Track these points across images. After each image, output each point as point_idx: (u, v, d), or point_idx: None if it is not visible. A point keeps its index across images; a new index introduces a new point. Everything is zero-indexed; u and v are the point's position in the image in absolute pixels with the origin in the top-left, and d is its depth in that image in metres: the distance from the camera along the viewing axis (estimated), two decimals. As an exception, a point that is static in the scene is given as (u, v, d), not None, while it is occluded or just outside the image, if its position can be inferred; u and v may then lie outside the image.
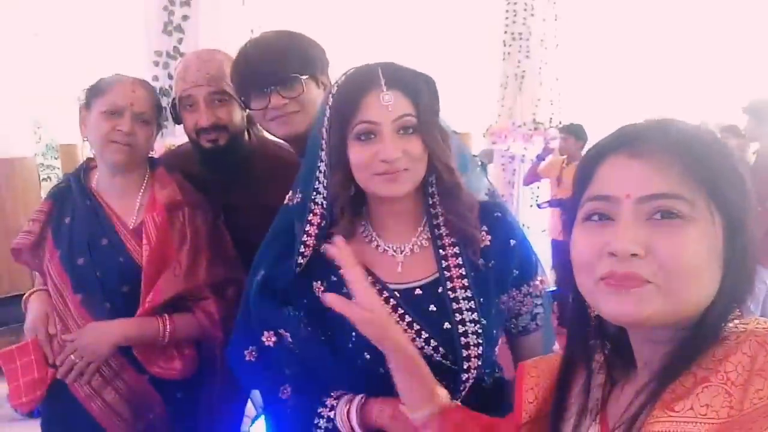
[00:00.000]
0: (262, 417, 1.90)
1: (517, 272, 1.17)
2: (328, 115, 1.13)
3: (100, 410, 1.50)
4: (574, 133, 4.80)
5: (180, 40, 2.89)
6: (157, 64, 2.93)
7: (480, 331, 1.10)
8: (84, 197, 1.57)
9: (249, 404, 1.96)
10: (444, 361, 1.11)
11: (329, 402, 1.15)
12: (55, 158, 12.78)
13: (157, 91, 1.74)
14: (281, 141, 1.65)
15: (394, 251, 1.17)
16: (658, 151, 0.70)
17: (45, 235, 1.59)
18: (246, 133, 1.74)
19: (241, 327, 1.28)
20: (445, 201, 1.15)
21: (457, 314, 1.11)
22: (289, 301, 1.20)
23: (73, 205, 1.58)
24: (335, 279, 1.15)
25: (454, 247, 1.15)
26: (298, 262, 1.17)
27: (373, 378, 1.11)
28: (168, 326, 1.52)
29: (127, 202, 1.58)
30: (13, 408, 1.57)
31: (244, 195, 1.68)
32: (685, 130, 0.72)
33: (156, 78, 2.92)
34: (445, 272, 1.14)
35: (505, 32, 5.79)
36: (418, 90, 1.10)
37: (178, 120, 1.69)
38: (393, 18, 6.69)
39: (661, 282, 0.67)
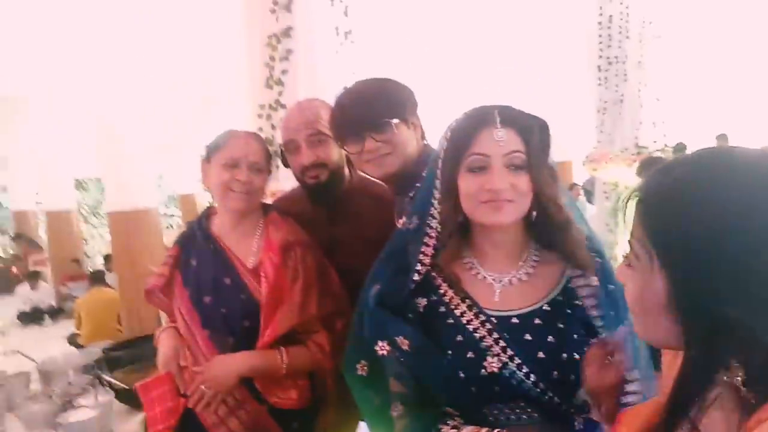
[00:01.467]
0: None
1: (614, 314, 1.19)
2: (444, 147, 1.23)
3: None
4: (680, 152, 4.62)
5: (281, 93, 3.11)
6: (260, 116, 3.16)
7: (569, 363, 1.14)
8: (207, 242, 1.73)
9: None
10: (534, 388, 1.14)
11: (445, 429, 1.17)
12: (176, 207, 13.70)
13: None
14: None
15: (493, 280, 1.23)
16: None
17: (174, 277, 1.76)
18: (347, 171, 1.88)
19: (354, 341, 1.37)
20: (554, 237, 1.21)
21: (551, 346, 1.16)
22: (402, 315, 1.27)
23: (198, 249, 1.74)
24: (435, 299, 1.24)
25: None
26: (414, 279, 1.26)
27: (466, 395, 1.17)
28: (285, 358, 1.63)
29: (245, 244, 1.72)
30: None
31: (347, 228, 1.84)
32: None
33: (261, 129, 3.14)
34: (545, 306, 1.19)
35: (600, 56, 5.68)
36: (531, 130, 1.18)
37: (286, 164, 1.87)
38: (487, 51, 6.75)
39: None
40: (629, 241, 0.78)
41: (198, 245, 1.75)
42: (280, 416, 1.67)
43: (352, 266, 1.64)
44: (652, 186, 0.77)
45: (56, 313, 8.00)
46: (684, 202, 0.72)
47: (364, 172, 1.68)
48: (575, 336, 1.17)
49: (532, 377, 1.13)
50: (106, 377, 3.33)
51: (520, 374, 1.13)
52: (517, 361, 1.14)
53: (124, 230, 5.00)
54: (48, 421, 2.84)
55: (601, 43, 5.67)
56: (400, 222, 1.43)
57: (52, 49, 6.44)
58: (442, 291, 1.24)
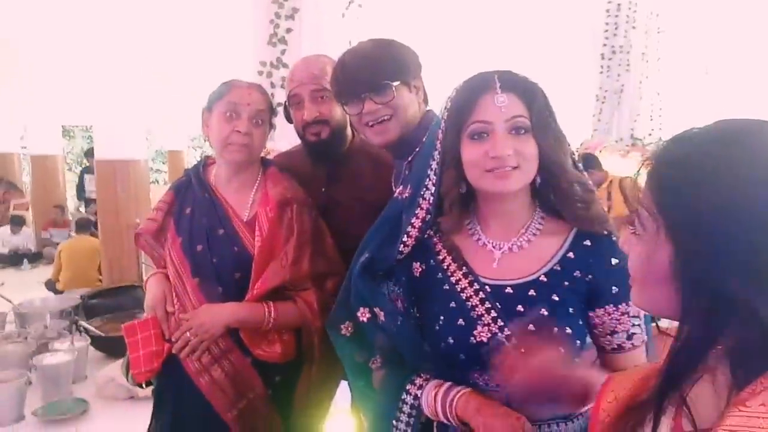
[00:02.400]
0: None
1: (617, 290, 1.16)
2: (445, 116, 1.21)
3: (207, 385, 1.63)
4: None
5: (283, 52, 3.06)
6: (261, 73, 3.12)
7: (560, 337, 1.13)
8: (203, 190, 1.72)
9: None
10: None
11: (418, 381, 1.23)
12: (163, 163, 13.60)
13: None
14: None
15: (493, 247, 1.22)
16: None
17: (167, 224, 1.74)
18: (350, 132, 1.86)
19: (341, 302, 1.39)
20: (560, 203, 1.20)
21: (542, 319, 1.14)
22: (391, 277, 1.29)
23: (193, 198, 1.73)
24: (433, 263, 1.25)
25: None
26: (400, 249, 1.26)
27: (454, 362, 1.19)
28: (273, 312, 1.63)
29: (242, 197, 1.71)
30: (133, 376, 1.72)
31: (345, 190, 1.82)
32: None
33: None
34: (542, 277, 1.18)
35: (605, 45, 5.67)
36: (533, 94, 1.16)
37: (290, 119, 1.84)
38: (490, 27, 6.69)
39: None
40: (637, 209, 0.77)
41: (193, 194, 1.73)
42: (263, 369, 1.67)
43: (347, 228, 1.68)
44: (667, 154, 0.75)
45: (36, 257, 7.94)
46: (698, 174, 0.71)
47: (366, 138, 1.65)
48: (570, 309, 1.16)
49: (521, 350, 1.12)
50: (83, 323, 3.30)
51: (509, 346, 1.13)
52: (507, 332, 1.14)
53: (111, 179, 4.95)
54: (22, 361, 2.81)
55: (606, 31, 5.67)
56: (397, 189, 1.42)
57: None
58: (441, 257, 1.25)
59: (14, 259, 7.95)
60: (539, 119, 1.14)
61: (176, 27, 6.70)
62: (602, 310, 1.17)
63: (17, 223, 8.72)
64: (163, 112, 10.43)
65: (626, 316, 1.17)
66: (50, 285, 5.94)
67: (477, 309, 1.17)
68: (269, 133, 1.76)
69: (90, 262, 5.73)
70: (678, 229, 0.72)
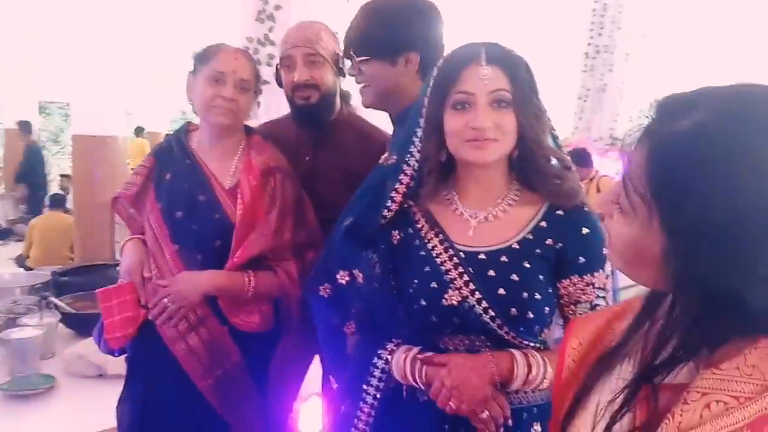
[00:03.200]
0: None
1: (584, 260, 1.20)
2: (430, 85, 1.22)
3: (183, 352, 1.61)
4: None
5: (271, 29, 3.02)
6: (247, 50, 3.06)
7: (529, 302, 1.17)
8: (184, 156, 1.69)
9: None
10: (491, 323, 1.17)
11: (390, 346, 1.28)
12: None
13: None
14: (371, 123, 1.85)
15: (470, 216, 1.24)
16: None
17: (147, 189, 1.71)
18: (339, 102, 1.87)
19: (321, 266, 1.42)
20: (535, 177, 1.22)
21: (512, 284, 1.17)
22: (371, 244, 1.31)
23: (174, 163, 1.70)
24: (411, 232, 1.28)
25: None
26: (383, 215, 1.28)
27: (426, 324, 1.22)
28: (252, 281, 1.62)
29: (224, 164, 1.69)
30: (106, 341, 1.69)
31: (330, 158, 1.83)
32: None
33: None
34: (515, 245, 1.20)
35: (589, 44, 5.71)
36: (517, 69, 1.17)
37: (280, 83, 1.84)
38: (477, 20, 6.68)
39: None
40: (625, 184, 0.69)
41: (174, 159, 1.70)
42: (240, 338, 1.65)
43: (329, 197, 1.69)
44: (665, 129, 0.65)
45: (6, 234, 7.77)
46: (702, 159, 0.61)
47: None
48: (540, 277, 1.19)
49: (491, 312, 1.17)
50: (53, 300, 3.23)
51: (479, 309, 1.17)
52: (478, 296, 1.17)
53: (88, 155, 4.86)
54: (-11, 335, 2.75)
55: (592, 30, 5.70)
56: (383, 158, 1.44)
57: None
58: (419, 225, 1.28)
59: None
60: (521, 94, 1.16)
61: (160, 3, 6.60)
62: (568, 280, 1.20)
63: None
64: (144, 92, 10.27)
65: (591, 287, 1.20)
66: (20, 261, 5.82)
67: (450, 273, 1.20)
68: (255, 99, 1.74)
69: (62, 239, 5.62)
70: (675, 221, 0.63)
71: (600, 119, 5.74)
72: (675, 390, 0.67)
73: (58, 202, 6.31)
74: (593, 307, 1.21)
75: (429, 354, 1.22)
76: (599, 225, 1.18)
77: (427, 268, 1.22)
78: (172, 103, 12.73)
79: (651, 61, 5.85)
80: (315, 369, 2.10)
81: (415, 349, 1.24)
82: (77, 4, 4.69)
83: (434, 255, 1.23)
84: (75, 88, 4.92)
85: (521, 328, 1.18)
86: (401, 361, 1.23)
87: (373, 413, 1.29)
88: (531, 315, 1.17)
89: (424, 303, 1.21)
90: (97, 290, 1.72)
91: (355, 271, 1.33)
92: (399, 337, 1.29)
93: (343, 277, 1.34)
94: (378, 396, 1.28)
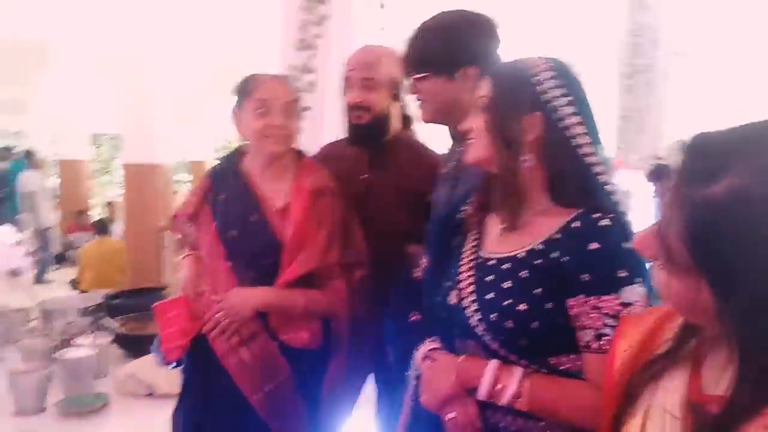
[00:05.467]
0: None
1: (588, 278, 1.07)
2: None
3: (235, 366, 1.66)
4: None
5: (311, 57, 3.11)
6: (293, 82, 3.15)
7: (510, 311, 1.12)
8: (236, 179, 1.76)
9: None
10: (477, 327, 1.16)
11: (428, 340, 1.31)
12: (186, 173, 13.71)
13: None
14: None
15: (501, 222, 1.24)
16: None
17: (203, 208, 1.78)
18: (396, 124, 1.94)
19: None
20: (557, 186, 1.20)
21: (501, 291, 1.14)
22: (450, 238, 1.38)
23: (228, 185, 1.77)
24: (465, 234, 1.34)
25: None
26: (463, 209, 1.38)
27: (441, 321, 1.27)
28: (303, 298, 1.67)
29: (276, 186, 1.74)
30: (163, 352, 1.76)
31: (385, 176, 1.89)
32: None
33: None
34: (522, 254, 1.16)
35: (628, 64, 5.66)
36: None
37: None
38: (513, 40, 6.70)
39: None
40: (663, 243, 0.66)
41: (228, 181, 1.77)
42: (290, 355, 1.69)
43: (383, 212, 1.78)
44: (699, 194, 0.61)
45: (60, 259, 8.04)
46: (742, 223, 0.58)
47: None
48: (535, 289, 1.11)
49: (478, 316, 1.15)
50: (105, 321, 3.33)
51: (470, 311, 1.17)
52: (472, 298, 1.18)
53: (137, 183, 5.04)
54: (45, 355, 2.85)
55: (630, 50, 5.65)
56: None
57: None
58: (471, 228, 1.32)
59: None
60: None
61: (202, 34, 6.81)
62: (574, 300, 1.08)
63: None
64: (188, 121, 10.54)
65: (597, 312, 1.06)
66: (74, 286, 6.02)
67: (462, 275, 1.23)
68: (299, 122, 1.79)
69: (112, 263, 5.80)
70: (724, 290, 0.61)
71: (642, 139, 5.66)
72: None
73: (103, 227, 6.50)
74: (599, 336, 1.05)
75: (436, 350, 1.26)
76: (619, 242, 1.07)
77: (453, 269, 1.27)
78: (217, 132, 13.06)
79: (691, 80, 5.76)
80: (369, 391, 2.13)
81: (431, 345, 1.28)
82: (126, 33, 4.89)
83: (461, 258, 1.27)
84: (126, 117, 5.12)
85: (502, 337, 1.12)
86: (417, 355, 1.29)
87: (411, 402, 1.34)
88: (510, 324, 1.10)
89: (439, 300, 1.26)
90: (154, 304, 1.80)
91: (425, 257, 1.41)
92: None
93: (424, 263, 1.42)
94: (414, 382, 1.32)
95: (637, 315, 0.96)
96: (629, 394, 0.79)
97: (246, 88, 1.72)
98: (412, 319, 1.41)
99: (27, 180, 8.16)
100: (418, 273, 1.44)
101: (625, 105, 5.69)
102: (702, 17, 5.93)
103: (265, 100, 1.68)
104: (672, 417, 0.72)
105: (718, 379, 0.70)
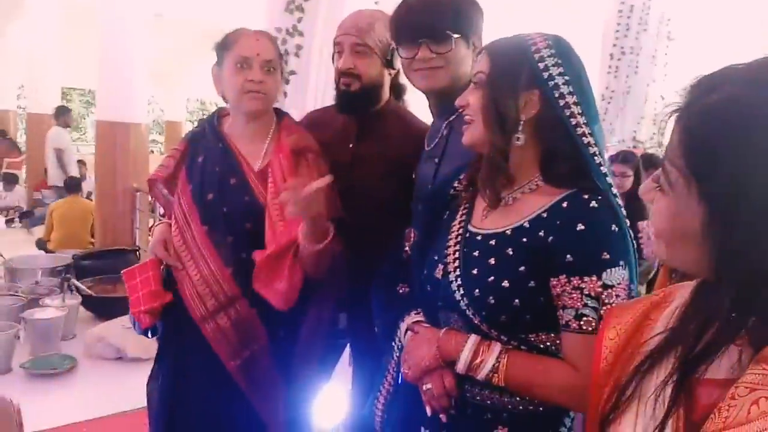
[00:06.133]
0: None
1: (571, 259, 1.06)
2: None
3: (213, 332, 1.62)
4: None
5: (299, 19, 3.02)
6: (276, 40, 3.07)
7: (493, 287, 1.11)
8: (216, 140, 1.69)
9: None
10: (461, 302, 1.15)
11: (413, 312, 1.32)
12: (160, 133, 13.50)
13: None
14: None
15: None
16: None
17: (179, 171, 1.72)
18: (385, 93, 1.86)
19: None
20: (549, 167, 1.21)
21: (486, 267, 1.14)
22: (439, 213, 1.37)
23: (206, 147, 1.70)
24: (455, 209, 1.32)
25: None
26: (454, 186, 1.36)
27: (426, 295, 1.27)
28: (332, 232, 1.56)
29: (255, 147, 1.68)
30: (133, 316, 1.72)
31: (373, 146, 1.81)
32: None
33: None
34: (508, 231, 1.15)
35: (614, 45, 5.66)
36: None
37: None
38: (502, 21, 6.67)
39: None
40: (663, 164, 0.71)
41: (207, 143, 1.71)
42: (268, 321, 1.65)
43: (369, 183, 1.71)
44: (697, 104, 0.67)
45: (27, 216, 7.86)
46: (735, 126, 0.63)
47: (411, 82, 1.65)
48: (520, 267, 1.10)
49: (461, 291, 1.15)
50: (75, 282, 3.27)
51: (454, 285, 1.16)
52: (456, 273, 1.17)
53: (110, 141, 4.90)
54: (13, 315, 2.79)
55: (617, 32, 5.64)
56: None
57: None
58: (460, 204, 1.31)
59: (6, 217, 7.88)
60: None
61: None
62: (556, 279, 1.07)
63: (10, 180, 8.62)
64: (165, 81, 10.33)
65: (578, 292, 1.05)
66: (41, 244, 5.89)
67: (449, 249, 1.22)
68: (282, 80, 1.74)
69: (82, 223, 5.68)
70: (713, 190, 0.65)
71: (623, 121, 5.69)
72: (721, 385, 0.66)
73: (75, 186, 6.33)
74: (579, 316, 1.05)
75: (419, 323, 1.26)
76: (606, 225, 1.07)
77: (440, 243, 1.26)
78: (192, 93, 12.80)
79: (677, 64, 5.78)
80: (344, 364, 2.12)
81: (415, 318, 1.28)
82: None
83: (450, 232, 1.25)
84: (98, 75, 4.95)
85: (483, 312, 1.12)
86: (401, 327, 1.30)
87: (394, 373, 1.35)
88: (492, 300, 1.10)
89: (425, 272, 1.26)
90: (122, 271, 1.77)
91: (413, 230, 1.39)
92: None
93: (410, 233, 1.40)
94: (397, 353, 1.32)
95: (623, 305, 0.96)
96: (619, 387, 0.78)
97: (226, 43, 1.66)
98: (400, 291, 1.39)
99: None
100: (406, 248, 1.41)
101: (609, 86, 5.70)
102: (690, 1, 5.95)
103: (246, 56, 1.61)
104: (663, 407, 0.71)
105: (713, 368, 0.69)
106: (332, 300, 1.71)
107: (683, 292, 0.80)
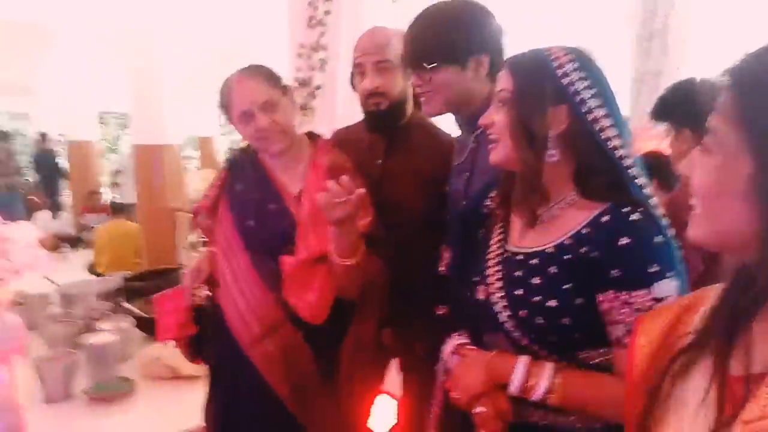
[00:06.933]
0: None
1: (619, 274, 1.05)
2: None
3: (261, 358, 1.65)
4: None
5: (322, 34, 3.06)
6: (300, 55, 3.12)
7: (541, 308, 1.11)
8: (253, 167, 1.74)
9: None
10: (506, 323, 1.15)
11: (456, 334, 1.31)
12: (194, 149, 13.71)
13: (295, 81, 1.89)
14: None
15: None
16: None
17: (220, 200, 1.77)
18: (411, 106, 1.88)
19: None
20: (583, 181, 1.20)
21: (531, 287, 1.13)
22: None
23: (244, 174, 1.75)
24: (490, 227, 1.32)
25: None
26: (486, 204, 1.40)
27: (470, 317, 1.28)
28: (361, 253, 1.56)
29: (292, 172, 1.72)
30: (157, 336, 1.84)
31: (401, 162, 1.83)
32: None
33: (299, 69, 3.11)
34: (550, 248, 1.14)
35: (644, 27, 5.54)
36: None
37: (355, 87, 1.88)
38: (527, 10, 6.60)
39: None
40: (711, 123, 0.71)
41: (245, 170, 1.75)
42: (313, 343, 1.67)
43: (401, 199, 1.73)
44: (750, 60, 0.70)
45: (75, 242, 8.09)
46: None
47: None
48: (565, 285, 1.09)
49: (507, 312, 1.14)
50: (126, 304, 3.37)
51: (498, 307, 1.16)
52: (500, 294, 1.17)
53: (148, 164, 5.02)
54: (69, 341, 2.89)
55: (645, 13, 5.53)
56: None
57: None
58: (495, 222, 1.31)
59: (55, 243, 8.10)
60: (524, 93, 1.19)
61: (212, 13, 6.73)
62: (603, 295, 1.07)
63: (56, 207, 8.89)
64: (195, 98, 10.49)
65: (628, 307, 1.04)
66: (91, 269, 6.06)
67: (489, 269, 1.22)
68: (291, 103, 1.74)
69: (128, 245, 5.83)
70: (765, 145, 0.65)
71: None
72: (759, 380, 0.66)
73: (118, 209, 6.50)
74: (630, 332, 1.01)
75: (465, 346, 1.25)
76: (650, 237, 1.05)
77: (480, 263, 1.25)
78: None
79: (707, 44, 5.64)
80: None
81: (460, 340, 1.28)
82: (131, 12, 4.83)
83: (488, 251, 1.25)
84: (134, 98, 5.08)
85: (532, 334, 1.12)
86: (445, 350, 1.28)
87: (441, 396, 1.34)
88: (541, 321, 1.10)
89: (468, 294, 1.25)
90: (153, 296, 1.87)
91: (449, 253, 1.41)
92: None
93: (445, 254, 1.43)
94: (443, 376, 1.32)
95: (654, 310, 0.94)
96: (653, 393, 0.77)
97: (224, 103, 1.69)
98: (438, 313, 1.40)
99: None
100: (441, 268, 1.42)
101: (639, 68, 5.58)
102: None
103: (244, 110, 1.63)
104: (701, 408, 0.71)
105: (747, 363, 0.69)
106: (372, 319, 1.73)
107: (714, 293, 0.79)
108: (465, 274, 1.29)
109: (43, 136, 10.51)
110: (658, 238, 1.05)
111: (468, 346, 1.25)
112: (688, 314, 0.81)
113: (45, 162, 10.43)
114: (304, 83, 2.98)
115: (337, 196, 1.39)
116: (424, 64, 1.48)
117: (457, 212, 1.47)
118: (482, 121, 1.20)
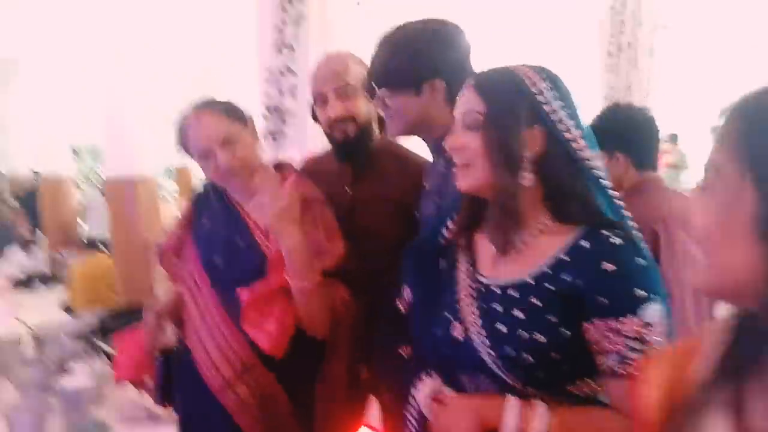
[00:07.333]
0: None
1: (606, 301, 1.01)
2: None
3: (234, 404, 1.57)
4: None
5: (291, 59, 3.03)
6: (268, 81, 3.09)
7: (529, 344, 1.05)
8: (219, 200, 1.68)
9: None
10: (491, 363, 1.08)
11: (425, 377, 1.19)
12: (171, 179, 13.57)
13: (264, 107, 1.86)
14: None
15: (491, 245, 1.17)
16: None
17: (186, 237, 1.71)
18: (376, 129, 1.84)
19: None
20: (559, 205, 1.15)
21: (514, 321, 1.07)
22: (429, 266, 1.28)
23: (210, 208, 1.69)
24: (452, 259, 1.24)
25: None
26: (438, 238, 1.29)
27: (443, 357, 1.17)
28: (318, 276, 1.51)
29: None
30: (115, 377, 1.75)
31: (370, 188, 1.79)
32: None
33: (267, 94, 3.08)
34: (530, 279, 1.09)
35: (611, 42, 5.62)
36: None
37: (316, 118, 1.84)
38: (493, 24, 6.66)
39: None
40: (710, 161, 0.70)
41: (210, 204, 1.70)
42: (286, 384, 1.61)
43: (372, 227, 1.69)
44: (754, 101, 0.69)
45: (49, 279, 7.92)
46: None
47: None
48: (549, 317, 1.04)
49: (490, 351, 1.07)
50: (100, 343, 3.27)
51: (479, 345, 1.09)
52: (481, 331, 1.09)
53: (121, 198, 4.93)
54: (41, 385, 2.79)
55: (613, 28, 5.60)
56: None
57: (46, 12, 6.31)
58: (457, 253, 1.23)
59: (29, 282, 7.91)
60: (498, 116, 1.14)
61: (182, 40, 6.71)
62: (591, 324, 1.02)
63: (29, 244, 8.69)
64: (166, 128, 10.43)
65: (617, 335, 1.00)
66: (66, 307, 5.91)
67: (462, 303, 1.15)
68: (254, 136, 1.68)
69: (104, 281, 5.70)
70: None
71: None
72: None
73: (93, 243, 6.36)
74: (622, 360, 1.00)
75: (443, 391, 1.15)
76: (633, 261, 1.02)
77: (448, 297, 1.17)
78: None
79: (675, 55, 5.73)
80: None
81: (434, 385, 1.16)
82: (97, 41, 4.77)
83: (457, 283, 1.18)
84: (105, 131, 4.99)
85: (519, 372, 1.05)
86: (419, 395, 1.17)
87: None
88: (531, 359, 1.03)
89: (439, 333, 1.16)
90: (113, 335, 1.85)
91: (406, 289, 1.29)
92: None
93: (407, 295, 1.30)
94: (415, 424, 1.20)
95: (657, 356, 0.90)
96: None
97: (182, 141, 1.66)
98: (400, 353, 1.29)
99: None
100: (400, 304, 1.31)
101: (609, 83, 5.65)
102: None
103: (202, 150, 1.58)
104: None
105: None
106: (345, 356, 1.67)
107: (714, 337, 0.76)
108: (432, 310, 1.20)
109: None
110: (641, 261, 1.03)
111: (446, 391, 1.15)
112: (692, 356, 0.78)
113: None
114: (274, 109, 2.94)
115: (266, 193, 1.40)
116: (373, 92, 1.52)
117: (414, 244, 1.37)
118: (451, 144, 1.14)
